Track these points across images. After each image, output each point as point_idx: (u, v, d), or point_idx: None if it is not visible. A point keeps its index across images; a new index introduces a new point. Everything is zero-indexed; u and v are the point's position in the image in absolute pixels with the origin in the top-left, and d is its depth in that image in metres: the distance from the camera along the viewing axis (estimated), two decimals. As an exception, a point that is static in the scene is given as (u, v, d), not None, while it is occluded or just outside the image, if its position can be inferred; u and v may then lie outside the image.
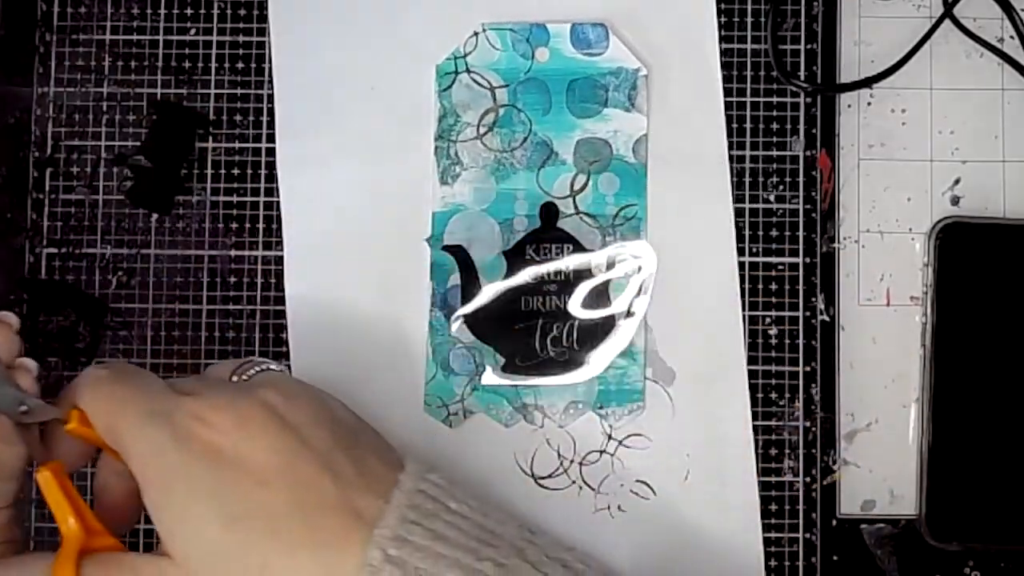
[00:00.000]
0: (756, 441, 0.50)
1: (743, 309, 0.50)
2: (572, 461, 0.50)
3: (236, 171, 0.51)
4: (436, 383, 0.50)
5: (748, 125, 0.51)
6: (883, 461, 0.50)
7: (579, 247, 0.50)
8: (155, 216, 0.51)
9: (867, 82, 0.50)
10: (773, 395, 0.50)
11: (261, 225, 0.51)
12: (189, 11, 0.51)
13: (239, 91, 0.51)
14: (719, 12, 0.51)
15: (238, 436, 0.40)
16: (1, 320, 0.43)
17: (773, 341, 0.50)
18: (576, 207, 0.50)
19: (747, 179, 0.51)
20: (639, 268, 0.50)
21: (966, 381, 0.49)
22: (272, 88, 0.51)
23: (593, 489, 0.50)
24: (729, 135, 0.51)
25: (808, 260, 0.51)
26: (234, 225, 0.51)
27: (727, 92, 0.51)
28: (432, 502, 0.41)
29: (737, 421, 0.50)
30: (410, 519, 0.40)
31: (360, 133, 0.51)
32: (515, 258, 0.50)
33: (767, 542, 0.50)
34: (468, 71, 0.51)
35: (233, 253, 0.51)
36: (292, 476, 0.40)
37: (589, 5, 0.51)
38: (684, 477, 0.50)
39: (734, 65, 0.51)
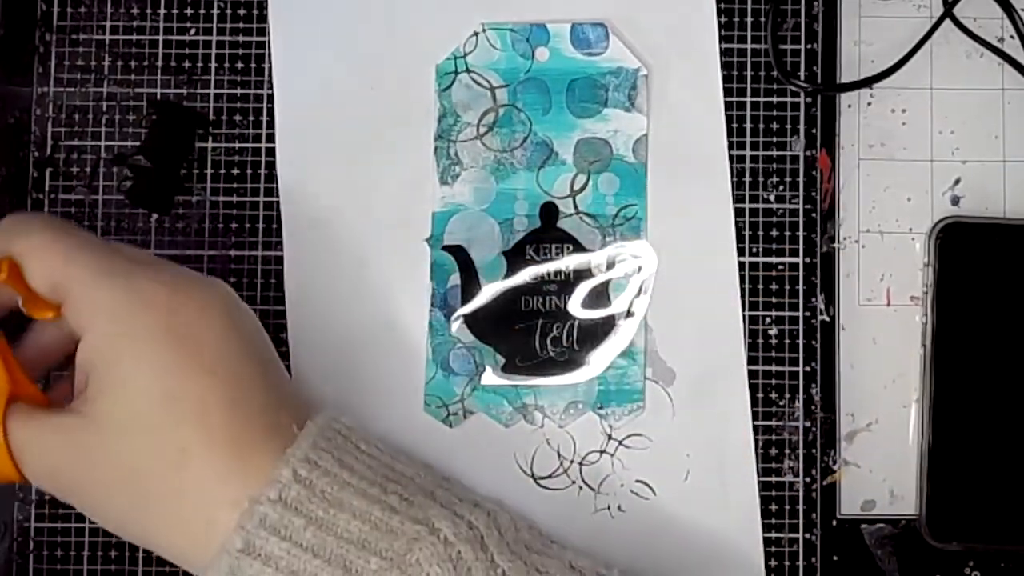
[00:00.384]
0: (756, 441, 0.50)
1: (743, 309, 0.50)
2: (572, 461, 0.50)
3: (236, 171, 0.51)
4: (436, 383, 0.50)
5: (748, 125, 0.51)
6: (883, 461, 0.50)
7: (579, 247, 0.50)
8: (155, 216, 0.51)
9: (867, 82, 0.50)
10: (773, 395, 0.50)
11: (261, 225, 0.51)
12: (189, 11, 0.51)
13: (239, 91, 0.51)
14: (719, 12, 0.51)
15: (200, 315, 0.40)
16: None
17: (773, 341, 0.50)
18: (576, 207, 0.50)
19: (747, 179, 0.51)
20: (639, 268, 0.50)
21: (966, 381, 0.49)
22: (272, 88, 0.51)
23: (593, 489, 0.50)
24: (729, 135, 0.51)
25: (808, 260, 0.51)
26: (234, 225, 0.51)
27: (727, 92, 0.51)
28: (343, 438, 0.42)
29: (737, 421, 0.50)
30: (321, 446, 0.40)
31: (360, 133, 0.51)
32: (515, 258, 0.50)
33: (767, 542, 0.50)
34: (468, 71, 0.51)
35: (233, 253, 0.51)
36: (236, 372, 0.40)
37: (589, 5, 0.51)
38: (684, 477, 0.50)
39: (734, 65, 0.51)
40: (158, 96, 0.51)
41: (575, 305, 0.50)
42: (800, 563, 0.50)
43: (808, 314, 0.51)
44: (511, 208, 0.50)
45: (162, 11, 0.51)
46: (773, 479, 0.50)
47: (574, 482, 0.50)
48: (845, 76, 0.51)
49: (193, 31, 0.51)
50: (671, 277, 0.50)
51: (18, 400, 0.41)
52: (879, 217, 0.51)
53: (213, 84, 0.51)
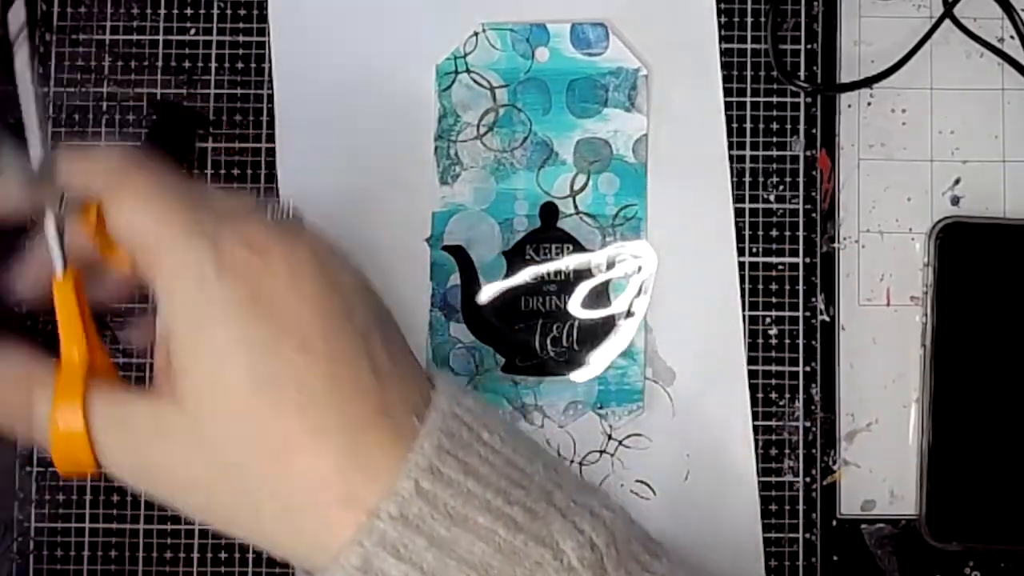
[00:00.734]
0: (756, 441, 0.50)
1: (743, 309, 0.50)
2: (572, 461, 0.50)
3: (236, 171, 0.51)
4: (436, 383, 0.50)
5: (748, 125, 0.51)
6: (883, 461, 0.50)
7: (579, 247, 0.50)
8: (155, 216, 0.51)
9: (867, 82, 0.50)
10: (773, 395, 0.50)
11: (261, 225, 0.51)
12: (189, 11, 0.51)
13: (239, 91, 0.51)
14: (719, 12, 0.51)
15: (289, 282, 0.36)
16: None
17: (773, 341, 0.50)
18: (576, 207, 0.50)
19: (747, 179, 0.51)
20: (639, 268, 0.50)
21: (966, 381, 0.49)
22: (272, 88, 0.51)
23: (593, 489, 0.50)
24: (729, 135, 0.51)
25: (808, 260, 0.51)
26: (234, 225, 0.51)
27: (727, 92, 0.51)
28: (467, 430, 0.37)
29: (737, 421, 0.50)
30: (446, 448, 0.36)
31: (360, 133, 0.51)
32: (515, 258, 0.50)
33: (767, 542, 0.50)
34: (468, 71, 0.51)
35: (233, 253, 0.51)
36: (334, 347, 0.36)
37: (589, 5, 0.51)
38: (684, 477, 0.50)
39: (734, 65, 0.51)
40: (158, 96, 0.51)
41: (575, 305, 0.50)
42: (800, 563, 0.50)
43: (808, 314, 0.51)
44: (511, 208, 0.50)
45: (162, 11, 0.51)
46: (773, 479, 0.50)
47: (574, 482, 0.50)
48: (845, 76, 0.51)
49: (193, 31, 0.51)
50: (671, 277, 0.50)
51: (95, 376, 0.36)
52: (879, 217, 0.51)
53: (213, 84, 0.51)
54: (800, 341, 0.50)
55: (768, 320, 0.50)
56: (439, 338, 0.50)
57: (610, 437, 0.50)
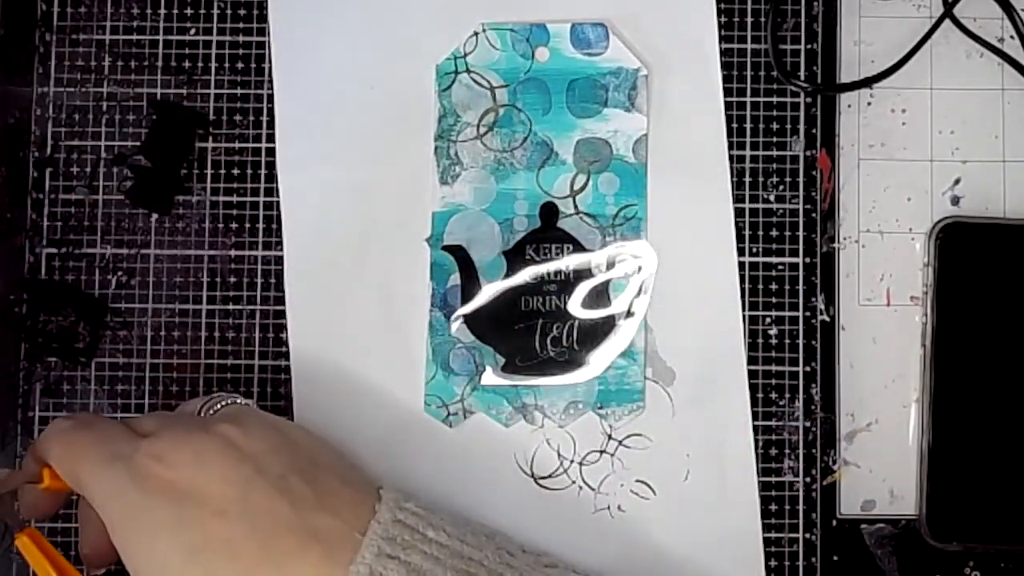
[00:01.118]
0: (756, 441, 0.50)
1: (743, 309, 0.50)
2: (572, 461, 0.50)
3: (236, 171, 0.51)
4: (436, 383, 0.50)
5: (748, 125, 0.51)
6: (883, 461, 0.50)
7: (579, 247, 0.50)
8: (155, 216, 0.51)
9: (867, 82, 0.50)
10: (773, 395, 0.50)
11: (261, 225, 0.51)
12: (189, 11, 0.51)
13: (239, 91, 0.51)
14: (719, 12, 0.51)
15: (194, 471, 0.41)
16: None
17: (773, 341, 0.50)
18: (576, 207, 0.50)
19: (747, 179, 0.51)
20: (639, 268, 0.50)
21: (966, 381, 0.49)
22: (272, 88, 0.51)
23: (593, 489, 0.50)
24: (729, 135, 0.51)
25: (808, 260, 0.51)
26: (234, 225, 0.51)
27: (727, 92, 0.51)
28: (410, 532, 0.42)
29: (737, 421, 0.50)
30: (387, 552, 0.41)
31: (360, 133, 0.51)
32: (515, 258, 0.50)
33: (767, 542, 0.50)
34: (468, 71, 0.51)
35: (233, 253, 0.51)
36: (247, 504, 0.41)
37: (589, 5, 0.51)
38: (684, 477, 0.50)
39: (734, 65, 0.51)
40: (158, 96, 0.51)
41: (575, 305, 0.50)
42: (800, 563, 0.50)
43: (808, 314, 0.51)
44: (511, 208, 0.50)
45: (162, 11, 0.51)
46: (773, 479, 0.50)
47: (574, 482, 0.50)
48: (845, 76, 0.51)
49: (193, 31, 0.51)
50: (671, 277, 0.50)
51: None
52: (879, 217, 0.51)
53: (213, 84, 0.51)
54: (800, 341, 0.50)
55: (768, 320, 0.50)
56: (439, 338, 0.50)
57: (610, 437, 0.50)
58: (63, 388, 0.51)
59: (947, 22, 0.50)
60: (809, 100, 0.51)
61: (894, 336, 0.50)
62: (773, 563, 0.50)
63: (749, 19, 0.51)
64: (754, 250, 0.51)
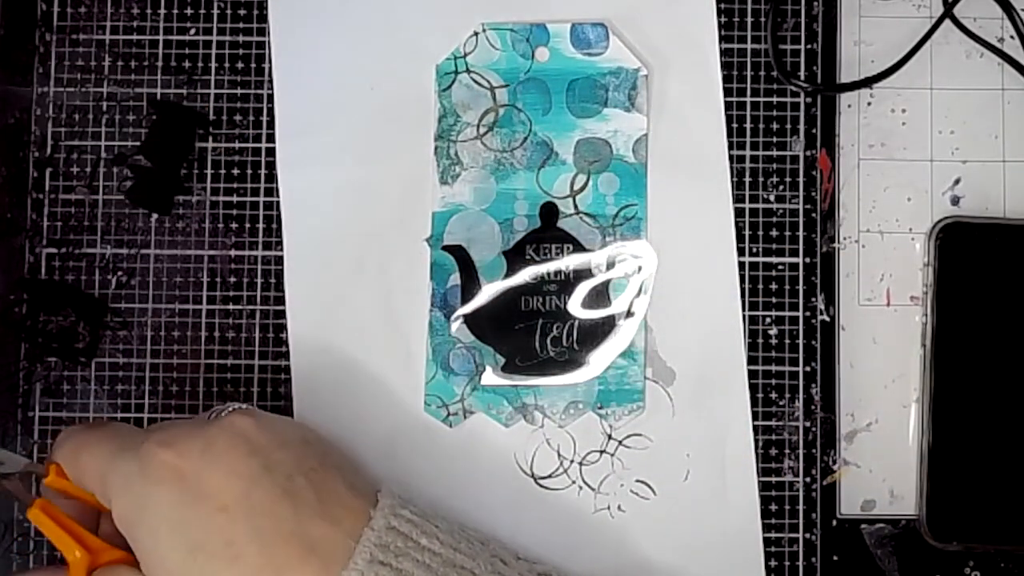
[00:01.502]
0: (756, 441, 0.50)
1: (743, 309, 0.50)
2: (572, 461, 0.50)
3: (236, 171, 0.51)
4: (436, 383, 0.50)
5: (748, 125, 0.51)
6: (883, 461, 0.50)
7: (579, 247, 0.50)
8: (155, 216, 0.51)
9: (867, 82, 0.50)
10: (773, 395, 0.50)
11: (261, 225, 0.51)
12: (189, 11, 0.51)
13: (239, 91, 0.51)
14: (719, 12, 0.51)
15: (202, 460, 0.41)
16: None
17: (773, 341, 0.50)
18: (576, 207, 0.50)
19: (747, 179, 0.51)
20: (639, 268, 0.50)
21: (966, 381, 0.49)
22: (272, 88, 0.51)
23: (593, 489, 0.50)
24: (729, 135, 0.51)
25: (808, 260, 0.51)
26: (234, 225, 0.51)
27: (727, 92, 0.51)
28: (403, 539, 0.42)
29: (737, 421, 0.50)
30: (379, 559, 0.41)
31: (360, 133, 0.51)
32: (515, 258, 0.50)
33: (767, 542, 0.50)
34: (468, 71, 0.51)
35: (233, 253, 0.51)
36: (251, 502, 0.41)
37: (589, 5, 0.51)
38: (684, 477, 0.50)
39: (734, 65, 0.51)
40: (158, 96, 0.51)
41: (575, 305, 0.50)
42: (800, 563, 0.50)
43: (808, 314, 0.51)
44: (511, 208, 0.50)
45: (162, 11, 0.51)
46: (773, 479, 0.50)
47: (574, 482, 0.50)
48: (845, 76, 0.51)
49: (193, 31, 0.51)
50: (671, 277, 0.50)
51: (98, 567, 0.43)
52: (879, 217, 0.51)
53: (213, 84, 0.51)
54: (800, 341, 0.50)
55: (768, 320, 0.50)
56: (439, 338, 0.50)
57: (610, 437, 0.50)
58: (63, 388, 0.51)
59: (947, 22, 0.51)
60: (809, 100, 0.51)
61: (894, 336, 0.50)
62: (773, 563, 0.50)
63: (749, 19, 0.51)
64: (754, 250, 0.51)
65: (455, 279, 0.50)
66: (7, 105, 0.51)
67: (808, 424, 0.50)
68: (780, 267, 0.51)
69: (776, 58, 0.51)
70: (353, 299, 0.50)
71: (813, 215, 0.51)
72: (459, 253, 0.50)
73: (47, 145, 0.51)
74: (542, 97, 0.50)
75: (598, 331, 0.50)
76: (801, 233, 0.51)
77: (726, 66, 0.51)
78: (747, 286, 0.50)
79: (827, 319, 0.50)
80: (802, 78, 0.51)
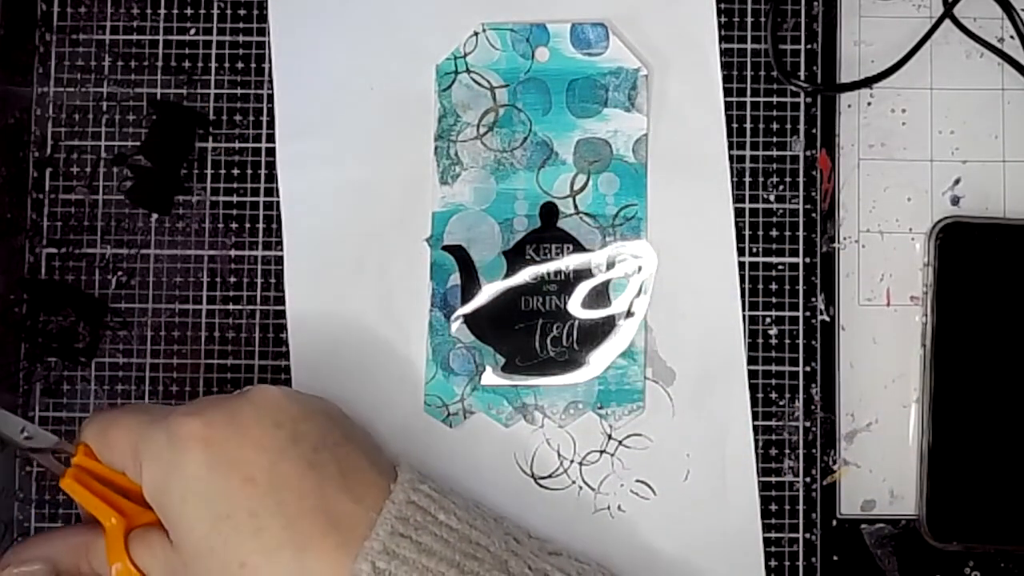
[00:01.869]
0: (756, 441, 0.50)
1: (743, 309, 0.50)
2: (572, 461, 0.50)
3: (236, 171, 0.51)
4: (436, 383, 0.50)
5: (748, 125, 0.51)
6: (883, 461, 0.50)
7: (579, 247, 0.50)
8: (155, 216, 0.51)
9: (867, 82, 0.50)
10: (773, 395, 0.50)
11: (261, 225, 0.51)
12: (189, 11, 0.51)
13: (239, 91, 0.51)
14: (719, 12, 0.51)
15: (228, 429, 0.42)
16: None
17: (773, 341, 0.50)
18: (576, 207, 0.50)
19: (747, 179, 0.51)
20: (639, 268, 0.50)
21: (966, 381, 0.49)
22: (272, 88, 0.51)
23: (593, 489, 0.50)
24: (729, 135, 0.51)
25: (808, 260, 0.51)
26: (234, 225, 0.51)
27: (727, 92, 0.51)
28: (422, 514, 0.42)
29: (737, 421, 0.50)
30: (400, 532, 0.41)
31: (360, 133, 0.51)
32: (515, 258, 0.50)
33: (767, 542, 0.50)
34: (468, 71, 0.51)
35: (233, 253, 0.51)
36: (276, 474, 0.41)
37: (589, 5, 0.51)
38: (684, 477, 0.50)
39: (734, 65, 0.51)
40: (158, 96, 0.51)
41: (575, 305, 0.50)
42: (800, 563, 0.50)
43: (808, 314, 0.51)
44: (511, 208, 0.50)
45: (162, 11, 0.51)
46: (773, 479, 0.50)
47: (574, 482, 0.50)
48: (845, 76, 0.51)
49: (193, 31, 0.51)
50: (671, 277, 0.50)
51: (135, 528, 0.44)
52: (879, 217, 0.51)
53: (213, 84, 0.51)
54: (800, 341, 0.50)
55: (768, 320, 0.50)
56: (439, 338, 0.50)
57: (610, 437, 0.50)
58: (63, 388, 0.51)
59: (947, 22, 0.51)
60: (809, 100, 0.51)
61: (894, 336, 0.50)
62: (773, 563, 0.50)
63: (749, 19, 0.51)
64: (754, 250, 0.51)
65: (455, 279, 0.50)
66: (7, 105, 0.51)
67: (808, 424, 0.50)
68: (780, 267, 0.51)
69: (776, 58, 0.51)
70: (353, 299, 0.50)
71: (813, 215, 0.51)
72: (459, 253, 0.50)
73: (47, 145, 0.51)
74: (542, 97, 0.50)
75: (598, 331, 0.50)
76: (801, 233, 0.51)
77: (726, 66, 0.51)
78: (747, 286, 0.50)
79: (827, 319, 0.50)
80: (802, 78, 0.51)
